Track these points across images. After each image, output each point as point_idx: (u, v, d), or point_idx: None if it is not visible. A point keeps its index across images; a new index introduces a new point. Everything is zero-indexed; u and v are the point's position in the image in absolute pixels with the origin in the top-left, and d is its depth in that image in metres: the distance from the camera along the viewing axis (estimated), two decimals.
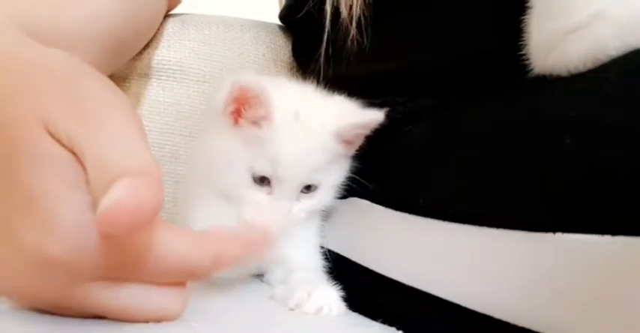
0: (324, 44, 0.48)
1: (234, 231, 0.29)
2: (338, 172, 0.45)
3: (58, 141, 0.25)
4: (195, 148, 0.52)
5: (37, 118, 0.25)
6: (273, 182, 0.41)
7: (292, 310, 0.35)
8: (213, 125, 0.43)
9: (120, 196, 0.22)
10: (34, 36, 0.32)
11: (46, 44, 0.31)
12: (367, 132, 0.43)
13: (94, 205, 0.23)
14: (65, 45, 0.33)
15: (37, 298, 0.26)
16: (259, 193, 0.41)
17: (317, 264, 0.43)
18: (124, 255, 0.24)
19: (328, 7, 0.47)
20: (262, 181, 0.41)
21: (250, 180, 0.41)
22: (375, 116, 0.42)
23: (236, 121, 0.41)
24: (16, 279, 0.25)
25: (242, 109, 0.40)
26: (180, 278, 0.27)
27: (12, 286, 0.26)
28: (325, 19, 0.47)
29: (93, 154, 0.24)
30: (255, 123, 0.40)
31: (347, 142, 0.43)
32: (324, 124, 0.41)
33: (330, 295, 0.36)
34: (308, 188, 0.42)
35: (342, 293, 0.37)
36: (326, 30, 0.47)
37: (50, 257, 0.23)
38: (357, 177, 0.45)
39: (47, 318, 0.26)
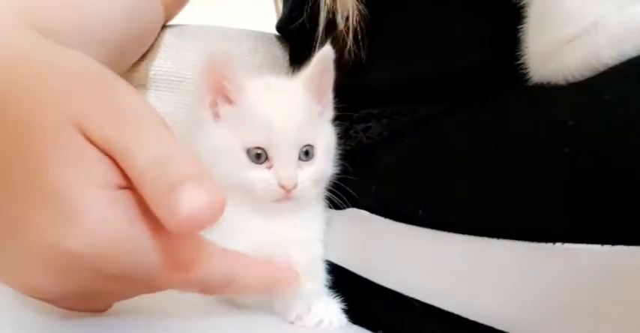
0: None
1: (261, 262, 0.30)
2: (327, 136, 0.45)
3: (92, 142, 0.25)
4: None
5: (69, 118, 0.25)
6: (270, 154, 0.40)
7: (292, 323, 0.34)
8: (199, 127, 0.43)
9: (198, 199, 0.23)
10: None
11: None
12: (330, 77, 0.44)
13: (154, 205, 0.24)
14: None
15: (60, 293, 0.26)
16: (260, 171, 0.40)
17: (318, 276, 0.42)
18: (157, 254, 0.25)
19: (322, 21, 0.47)
20: (259, 157, 0.40)
21: (248, 161, 0.40)
22: (322, 51, 0.42)
23: (215, 113, 0.42)
24: (36, 276, 0.25)
25: (217, 92, 0.41)
26: (190, 289, 0.28)
27: (32, 284, 0.26)
28: (319, 31, 0.47)
29: (142, 155, 0.24)
30: (231, 100, 0.41)
31: (319, 96, 0.44)
32: (294, 84, 0.43)
33: (331, 308, 0.36)
34: (306, 155, 0.42)
35: (342, 305, 0.37)
36: (318, 42, 0.47)
37: (70, 252, 0.23)
38: (358, 187, 0.44)
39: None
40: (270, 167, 0.40)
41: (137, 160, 0.24)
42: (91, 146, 0.25)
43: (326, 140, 0.44)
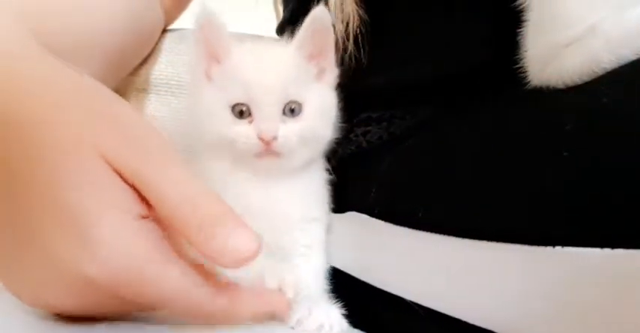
0: None
1: (257, 289, 0.31)
2: (322, 96, 0.44)
3: (115, 169, 0.26)
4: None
5: (94, 147, 0.26)
6: (252, 109, 0.40)
7: (293, 328, 0.34)
8: (195, 92, 0.44)
9: (243, 244, 0.25)
10: (43, 43, 0.32)
11: (54, 53, 0.31)
12: (328, 39, 0.43)
13: (197, 245, 0.25)
14: (71, 56, 0.34)
15: (73, 310, 0.27)
16: (242, 126, 0.40)
17: (319, 283, 0.42)
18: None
19: None
20: (242, 114, 0.40)
21: (232, 117, 0.40)
22: (314, 12, 0.42)
23: (209, 77, 0.42)
24: (51, 294, 0.26)
25: (210, 57, 0.42)
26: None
27: (46, 301, 0.26)
28: None
29: (175, 194, 0.26)
30: (220, 59, 0.42)
31: (315, 59, 0.43)
32: (284, 44, 0.43)
33: (331, 313, 0.36)
34: (292, 112, 0.41)
35: (343, 310, 0.37)
36: None
37: (89, 277, 0.24)
38: (357, 191, 0.44)
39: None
40: (251, 122, 0.40)
41: (169, 199, 0.25)
42: (116, 175, 0.26)
43: (319, 100, 0.43)
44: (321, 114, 0.43)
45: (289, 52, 0.42)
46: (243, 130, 0.40)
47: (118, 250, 0.24)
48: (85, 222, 0.24)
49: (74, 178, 0.25)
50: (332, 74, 0.45)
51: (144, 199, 0.26)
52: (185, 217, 0.25)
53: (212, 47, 0.42)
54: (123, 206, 0.25)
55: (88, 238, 0.24)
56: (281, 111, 0.40)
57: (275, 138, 0.39)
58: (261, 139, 0.39)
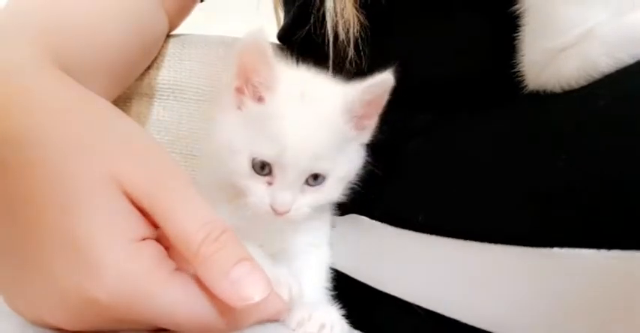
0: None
1: None
2: (348, 163, 0.40)
3: (132, 200, 0.26)
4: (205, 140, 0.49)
5: (110, 174, 0.26)
6: (275, 170, 0.37)
7: (294, 330, 0.34)
8: (219, 111, 0.40)
9: (258, 288, 0.26)
10: (58, 64, 0.33)
11: (67, 72, 0.32)
12: (380, 105, 0.40)
13: (213, 287, 0.25)
14: (82, 73, 0.34)
15: (73, 329, 0.27)
16: (259, 184, 0.37)
17: (321, 287, 0.42)
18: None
19: (330, 31, 0.47)
20: (263, 169, 0.37)
21: (250, 168, 0.37)
22: (384, 77, 0.38)
23: (240, 101, 0.38)
24: (52, 314, 0.26)
25: (247, 81, 0.38)
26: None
27: (47, 320, 0.27)
28: (329, 41, 0.47)
29: (190, 228, 0.26)
30: (259, 97, 0.37)
31: (358, 121, 0.40)
32: (332, 102, 0.38)
33: (332, 314, 0.36)
34: (315, 179, 0.38)
35: (343, 312, 0.37)
36: (330, 53, 0.47)
37: (90, 300, 0.24)
38: (358, 194, 0.45)
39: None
40: (270, 183, 0.37)
41: (181, 228, 0.26)
42: (126, 201, 0.26)
43: (345, 169, 0.40)
44: (342, 181, 0.41)
45: (335, 112, 0.38)
46: (259, 190, 0.37)
47: (119, 276, 0.24)
48: (89, 248, 0.25)
49: (83, 203, 0.25)
50: (370, 130, 0.42)
51: (149, 219, 0.27)
52: (195, 246, 0.26)
53: (250, 77, 0.37)
54: (128, 233, 0.26)
55: (92, 264, 0.24)
56: (304, 181, 0.38)
57: (288, 211, 0.37)
58: (273, 209, 0.37)
